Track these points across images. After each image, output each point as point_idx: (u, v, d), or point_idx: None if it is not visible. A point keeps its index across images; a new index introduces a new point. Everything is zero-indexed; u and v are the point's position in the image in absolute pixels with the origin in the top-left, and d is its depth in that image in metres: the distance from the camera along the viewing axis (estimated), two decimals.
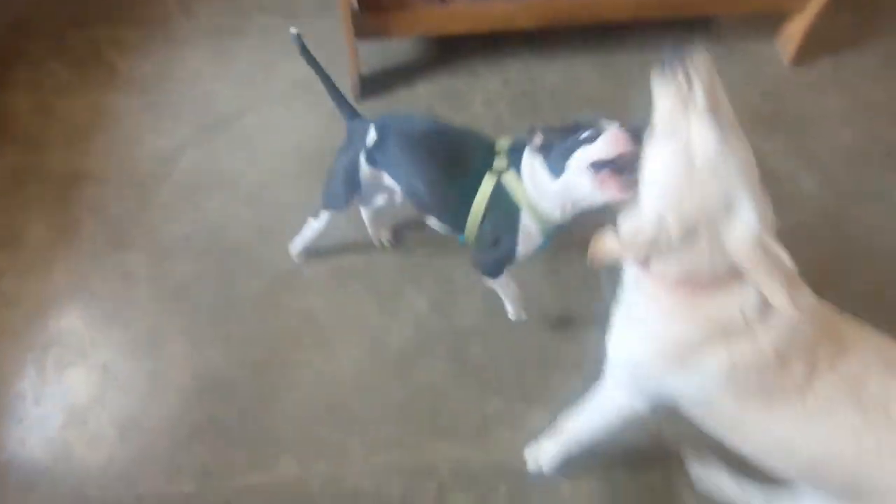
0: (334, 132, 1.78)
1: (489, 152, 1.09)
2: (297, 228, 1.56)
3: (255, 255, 1.54)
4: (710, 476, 1.09)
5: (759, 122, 1.80)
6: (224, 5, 2.08)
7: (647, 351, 0.83)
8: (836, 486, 0.77)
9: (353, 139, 1.21)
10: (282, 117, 1.82)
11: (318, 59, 1.23)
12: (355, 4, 1.66)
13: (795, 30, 1.90)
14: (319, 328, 1.43)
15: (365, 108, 1.85)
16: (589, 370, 1.31)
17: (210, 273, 1.51)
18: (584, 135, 0.92)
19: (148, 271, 1.51)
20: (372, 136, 1.15)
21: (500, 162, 1.07)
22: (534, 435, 1.23)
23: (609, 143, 0.87)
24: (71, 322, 1.44)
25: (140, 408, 1.32)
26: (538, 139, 0.99)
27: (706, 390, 0.78)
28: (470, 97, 1.86)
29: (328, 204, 1.32)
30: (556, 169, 0.97)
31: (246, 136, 1.78)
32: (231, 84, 1.90)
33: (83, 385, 1.35)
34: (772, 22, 1.95)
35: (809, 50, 1.92)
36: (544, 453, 1.17)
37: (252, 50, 1.98)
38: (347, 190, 1.24)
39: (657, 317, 0.80)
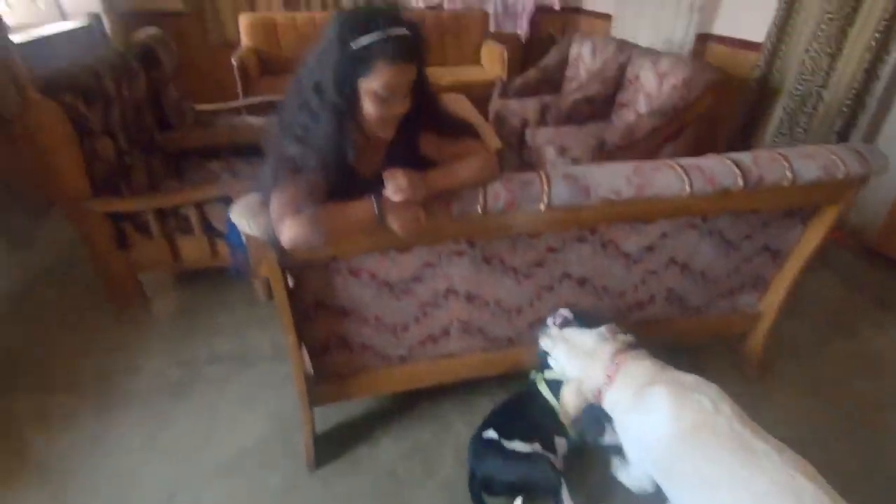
0: None
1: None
2: None
3: None
4: None
5: None
6: (169, 360, 1.97)
7: (628, 421, 1.30)
8: None
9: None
10: (217, 498, 1.52)
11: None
12: (310, 371, 1.54)
13: (753, 345, 1.93)
14: None
15: (320, 476, 1.60)
16: None
17: None
18: None
19: None
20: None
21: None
22: None
23: None
24: None
25: None
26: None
27: (658, 428, 1.20)
28: (440, 452, 1.65)
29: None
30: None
31: None
32: (163, 456, 1.64)
33: None
34: (729, 342, 1.98)
35: (769, 359, 1.92)
36: None
37: (195, 412, 1.78)
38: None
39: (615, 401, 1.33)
